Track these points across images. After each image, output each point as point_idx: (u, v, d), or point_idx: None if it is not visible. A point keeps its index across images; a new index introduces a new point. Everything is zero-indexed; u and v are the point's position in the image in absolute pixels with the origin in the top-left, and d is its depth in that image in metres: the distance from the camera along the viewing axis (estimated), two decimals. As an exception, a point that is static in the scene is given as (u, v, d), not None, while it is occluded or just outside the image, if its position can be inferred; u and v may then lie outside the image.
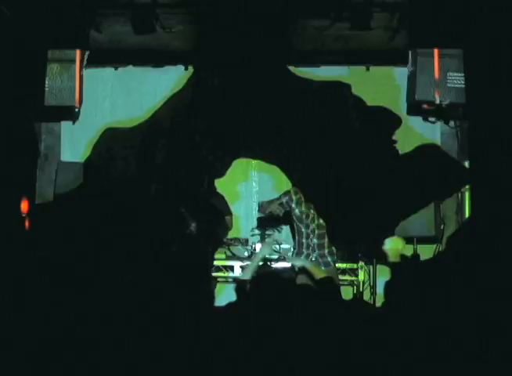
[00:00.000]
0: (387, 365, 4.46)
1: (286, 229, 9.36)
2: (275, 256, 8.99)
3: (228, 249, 9.25)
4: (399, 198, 8.46)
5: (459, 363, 4.50)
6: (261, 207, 8.64)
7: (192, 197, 8.65)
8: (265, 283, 4.72)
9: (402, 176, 8.54)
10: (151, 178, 8.68)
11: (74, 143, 9.64)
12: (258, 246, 9.04)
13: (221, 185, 9.08)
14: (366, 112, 8.82)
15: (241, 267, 8.90)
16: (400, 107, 9.06)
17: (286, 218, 8.69)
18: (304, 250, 8.32)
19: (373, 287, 8.87)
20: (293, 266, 7.47)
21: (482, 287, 4.85)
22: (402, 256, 5.97)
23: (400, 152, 8.80)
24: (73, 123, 9.38)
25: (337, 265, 8.58)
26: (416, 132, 9.40)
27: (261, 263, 6.76)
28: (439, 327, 4.59)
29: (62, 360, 4.58)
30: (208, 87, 8.73)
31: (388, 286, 5.03)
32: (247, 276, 5.86)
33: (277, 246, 9.05)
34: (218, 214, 8.82)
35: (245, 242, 9.35)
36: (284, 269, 7.47)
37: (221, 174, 8.96)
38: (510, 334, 4.63)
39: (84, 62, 8.68)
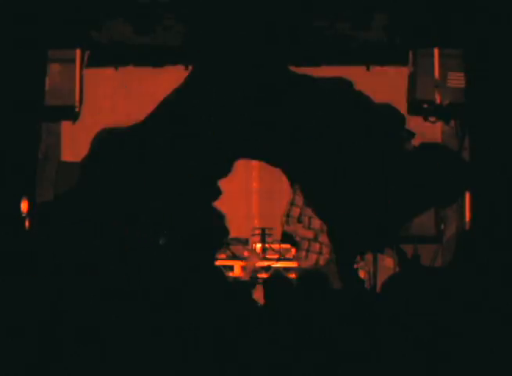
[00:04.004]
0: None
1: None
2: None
3: (229, 249, 9.26)
4: (400, 198, 8.46)
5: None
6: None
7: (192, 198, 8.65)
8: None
9: (402, 176, 8.54)
10: (151, 179, 8.68)
11: (74, 143, 9.64)
12: (258, 246, 9.06)
13: (221, 185, 9.07)
14: (366, 112, 8.82)
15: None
16: (400, 107, 9.06)
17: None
18: (303, 250, 8.34)
19: (373, 286, 8.88)
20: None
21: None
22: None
23: (400, 152, 8.80)
24: (74, 123, 9.38)
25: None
26: (416, 132, 9.39)
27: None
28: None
29: None
30: (208, 87, 8.73)
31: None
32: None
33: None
34: (218, 214, 8.83)
35: (245, 242, 9.35)
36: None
37: (221, 174, 8.95)
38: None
39: (85, 62, 8.68)
